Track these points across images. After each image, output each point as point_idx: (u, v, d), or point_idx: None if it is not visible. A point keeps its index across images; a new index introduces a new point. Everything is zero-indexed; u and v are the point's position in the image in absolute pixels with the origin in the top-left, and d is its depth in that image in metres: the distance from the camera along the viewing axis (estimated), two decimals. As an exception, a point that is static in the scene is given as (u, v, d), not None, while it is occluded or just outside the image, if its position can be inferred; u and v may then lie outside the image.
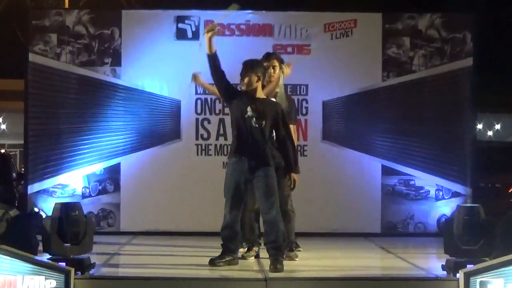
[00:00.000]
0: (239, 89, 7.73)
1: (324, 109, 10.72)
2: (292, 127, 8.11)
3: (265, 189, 7.37)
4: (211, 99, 10.63)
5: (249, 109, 7.40)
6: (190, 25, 10.68)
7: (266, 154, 7.40)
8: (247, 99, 7.46)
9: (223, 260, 7.50)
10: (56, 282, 6.14)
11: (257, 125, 7.38)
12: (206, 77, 8.36)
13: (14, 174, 13.13)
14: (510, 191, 12.31)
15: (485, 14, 16.34)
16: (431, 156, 10.69)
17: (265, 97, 7.61)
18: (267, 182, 7.36)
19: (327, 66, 10.73)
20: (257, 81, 7.48)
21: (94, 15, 10.76)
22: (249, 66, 7.50)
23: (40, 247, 7.14)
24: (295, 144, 7.80)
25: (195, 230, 10.27)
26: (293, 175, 7.61)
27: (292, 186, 7.65)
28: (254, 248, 8.14)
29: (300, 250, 8.43)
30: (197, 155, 10.65)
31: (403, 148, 10.73)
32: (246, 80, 7.47)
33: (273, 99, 7.92)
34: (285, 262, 7.40)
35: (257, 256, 8.11)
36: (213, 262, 7.48)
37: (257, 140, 7.39)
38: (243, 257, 7.97)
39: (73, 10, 11.21)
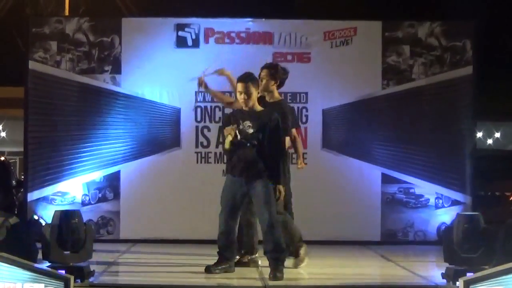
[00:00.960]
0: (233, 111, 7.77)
1: (324, 117, 10.72)
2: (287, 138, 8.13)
3: (261, 198, 7.38)
4: (211, 107, 10.64)
5: (237, 131, 7.38)
6: (190, 33, 10.69)
7: (260, 169, 7.38)
8: (239, 118, 7.45)
9: (219, 267, 7.51)
10: (56, 289, 6.13)
11: (243, 144, 7.39)
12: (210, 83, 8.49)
13: (13, 181, 13.10)
14: (510, 199, 12.29)
15: (485, 22, 16.34)
16: (431, 164, 10.68)
17: (261, 108, 7.59)
18: (263, 192, 7.36)
19: (327, 74, 10.73)
20: (256, 94, 7.48)
21: (94, 22, 10.76)
22: (248, 82, 7.48)
23: (40, 255, 7.14)
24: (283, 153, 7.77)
25: (195, 238, 10.25)
26: (277, 186, 7.49)
27: (276, 197, 7.51)
28: (248, 256, 8.11)
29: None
30: (197, 163, 10.65)
31: (403, 156, 10.73)
32: (246, 97, 7.45)
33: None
34: (285, 270, 7.39)
35: (253, 262, 8.07)
36: (209, 270, 7.50)
37: (248, 160, 7.39)
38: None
39: (73, 18, 11.22)
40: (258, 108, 7.55)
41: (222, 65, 8.74)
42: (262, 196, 7.37)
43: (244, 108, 7.50)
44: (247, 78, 7.50)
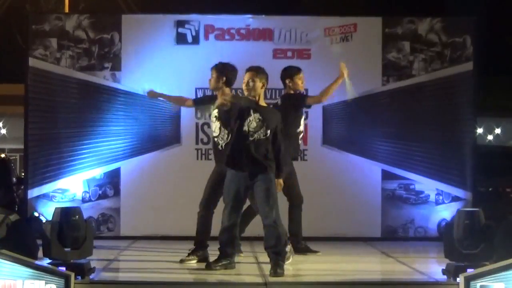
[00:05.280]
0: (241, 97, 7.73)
1: (324, 113, 10.71)
2: None
3: (264, 194, 7.38)
4: (211, 103, 10.62)
5: (246, 124, 7.39)
6: (190, 29, 10.68)
7: (265, 163, 7.39)
8: (248, 110, 7.43)
9: (220, 264, 7.52)
10: (56, 286, 6.13)
11: (253, 138, 7.38)
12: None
13: (14, 178, 13.12)
14: (510, 195, 12.30)
15: (485, 18, 16.34)
16: (431, 160, 10.68)
17: (265, 105, 7.61)
18: (266, 187, 7.37)
19: (327, 71, 10.66)
20: (262, 88, 7.49)
21: (94, 19, 10.75)
22: (255, 72, 7.49)
23: (40, 252, 7.14)
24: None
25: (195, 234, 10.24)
26: (278, 180, 7.57)
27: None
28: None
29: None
30: (197, 159, 10.64)
31: (403, 153, 10.72)
32: (251, 85, 7.46)
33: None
34: (286, 266, 7.39)
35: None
36: (209, 266, 7.51)
37: (253, 154, 7.37)
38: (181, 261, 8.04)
39: (73, 15, 11.19)
40: (263, 103, 7.56)
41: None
42: (266, 191, 7.36)
43: (245, 94, 7.49)
44: (253, 68, 7.54)
